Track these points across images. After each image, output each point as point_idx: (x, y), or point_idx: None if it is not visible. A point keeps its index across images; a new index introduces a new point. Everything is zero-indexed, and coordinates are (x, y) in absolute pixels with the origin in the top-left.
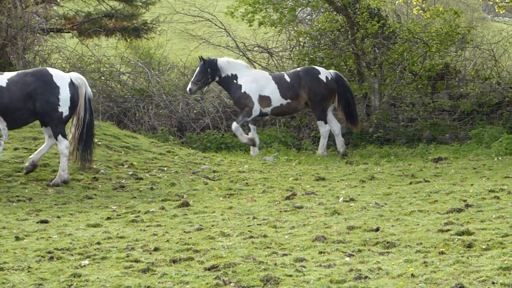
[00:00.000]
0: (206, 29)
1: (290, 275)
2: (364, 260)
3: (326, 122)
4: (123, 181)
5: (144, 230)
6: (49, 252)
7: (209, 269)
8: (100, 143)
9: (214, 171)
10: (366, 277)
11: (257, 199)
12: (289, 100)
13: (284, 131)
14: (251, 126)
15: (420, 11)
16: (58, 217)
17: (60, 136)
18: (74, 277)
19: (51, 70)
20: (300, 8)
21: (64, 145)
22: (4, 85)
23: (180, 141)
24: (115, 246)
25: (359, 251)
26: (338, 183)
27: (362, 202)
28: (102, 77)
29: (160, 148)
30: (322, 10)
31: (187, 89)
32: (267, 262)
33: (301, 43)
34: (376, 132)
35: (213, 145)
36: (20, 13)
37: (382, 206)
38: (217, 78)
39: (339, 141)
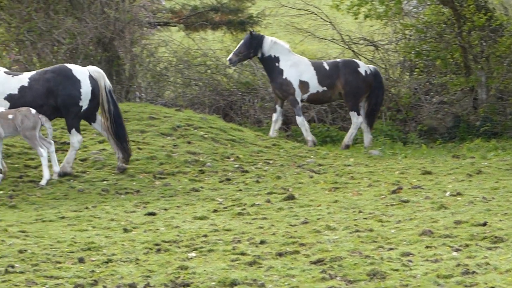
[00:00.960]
0: (311, 22)
1: (397, 270)
2: (471, 255)
3: (359, 114)
4: (229, 174)
5: (250, 223)
6: (157, 244)
7: (315, 263)
8: (206, 136)
9: (319, 165)
10: (473, 272)
11: (363, 193)
12: (325, 88)
13: (390, 125)
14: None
15: None
16: (165, 209)
17: (74, 130)
18: (181, 269)
19: (69, 65)
20: (406, 1)
21: (76, 139)
22: (26, 84)
23: (285, 134)
24: (221, 238)
25: (467, 245)
26: (445, 177)
27: (469, 196)
28: (208, 71)
29: (265, 141)
30: (428, 3)
31: (227, 58)
32: (373, 256)
33: (407, 36)
34: (483, 126)
35: (319, 138)
36: (127, 7)
37: (490, 200)
38: (259, 55)
39: (367, 138)
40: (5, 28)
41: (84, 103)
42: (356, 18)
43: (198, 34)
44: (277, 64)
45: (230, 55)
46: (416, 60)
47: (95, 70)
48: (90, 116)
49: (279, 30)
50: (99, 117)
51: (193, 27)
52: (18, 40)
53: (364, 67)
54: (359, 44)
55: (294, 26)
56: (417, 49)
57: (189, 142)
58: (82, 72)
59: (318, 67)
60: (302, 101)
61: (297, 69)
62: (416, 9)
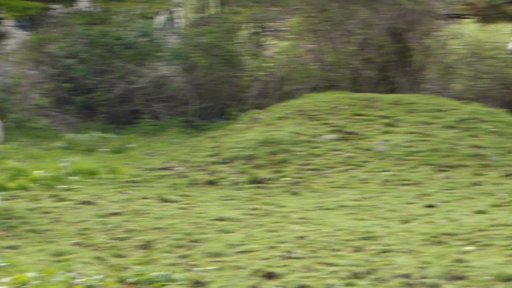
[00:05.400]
0: None
1: None
2: None
3: None
4: None
5: None
6: (434, 237)
7: None
8: (492, 130)
9: None
10: None
11: None
12: None
13: None
14: None
15: None
16: (445, 202)
17: None
18: (457, 262)
19: None
20: None
21: None
22: None
23: None
24: (500, 233)
25: None
26: None
27: None
28: (500, 64)
29: None
30: None
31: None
32: None
33: None
34: None
35: None
36: None
37: None
38: None
39: None
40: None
41: None
42: None
43: (491, 27)
44: None
45: None
46: None
47: None
48: None
49: None
50: None
51: (487, 19)
52: (313, 30)
53: None
54: None
55: None
56: None
57: (473, 136)
58: None
59: None
60: None
61: None
62: None
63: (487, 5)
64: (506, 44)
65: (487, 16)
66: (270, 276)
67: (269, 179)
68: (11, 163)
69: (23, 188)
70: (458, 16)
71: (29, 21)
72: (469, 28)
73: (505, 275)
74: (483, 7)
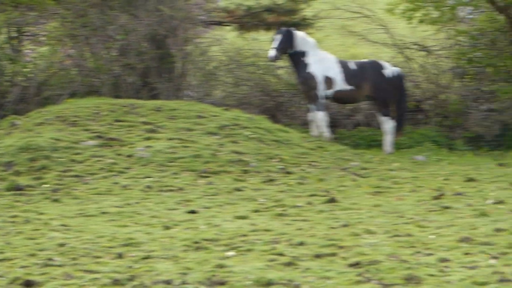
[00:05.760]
0: (365, 26)
1: (433, 275)
2: (509, 263)
3: (392, 118)
4: (272, 175)
5: (290, 224)
6: (196, 242)
7: (352, 266)
8: (252, 136)
9: (363, 168)
10: (509, 280)
11: (405, 198)
12: (352, 87)
13: (437, 131)
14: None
15: None
16: (207, 208)
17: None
18: (219, 267)
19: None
20: (461, 7)
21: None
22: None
23: (332, 136)
24: (260, 238)
25: (505, 253)
26: (488, 184)
27: (511, 204)
28: (259, 71)
29: (311, 143)
30: (483, 10)
31: (271, 56)
32: (410, 261)
33: (460, 42)
34: None
35: (364, 142)
36: (182, 5)
37: None
38: (289, 51)
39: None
40: (60, 22)
41: None
42: (410, 23)
43: (250, 34)
44: (302, 59)
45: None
46: (467, 67)
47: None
48: None
49: (333, 33)
50: None
51: (247, 27)
52: (72, 35)
53: (389, 69)
54: (411, 48)
55: (348, 30)
56: (469, 56)
57: (234, 142)
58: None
59: (344, 65)
60: (327, 98)
61: (323, 65)
62: (470, 16)
63: (245, 13)
64: (266, 51)
65: (246, 23)
66: (28, 284)
67: (29, 186)
68: None
69: None
70: (218, 23)
71: None
72: (230, 35)
73: (264, 279)
74: (241, 15)
